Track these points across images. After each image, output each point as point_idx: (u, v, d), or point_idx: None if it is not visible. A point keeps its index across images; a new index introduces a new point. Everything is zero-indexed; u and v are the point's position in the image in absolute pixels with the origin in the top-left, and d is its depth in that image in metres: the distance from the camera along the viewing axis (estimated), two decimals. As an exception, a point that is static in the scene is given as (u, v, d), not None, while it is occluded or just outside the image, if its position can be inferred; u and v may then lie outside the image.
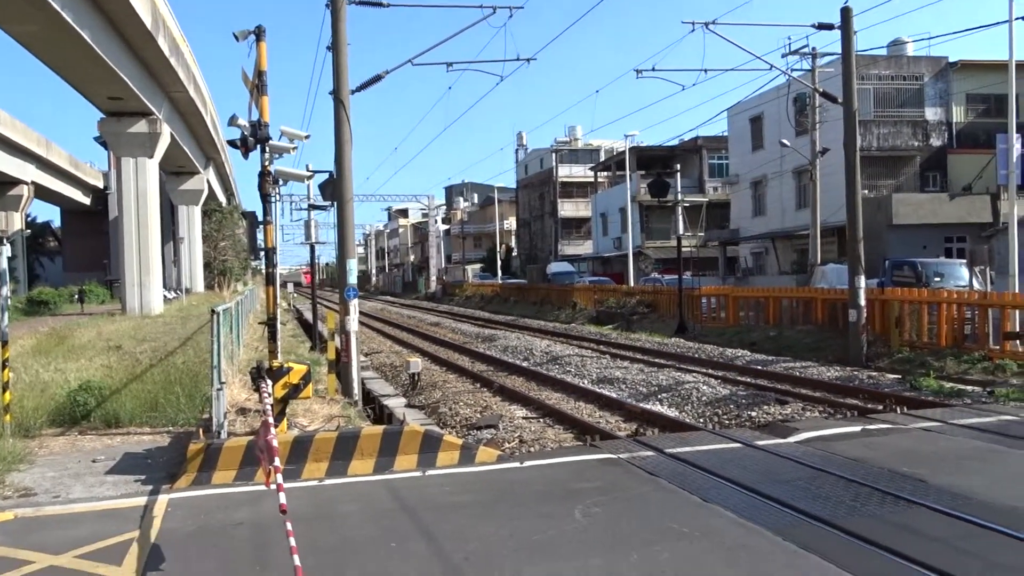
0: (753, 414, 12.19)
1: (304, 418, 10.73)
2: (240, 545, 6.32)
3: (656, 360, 18.74)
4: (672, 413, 12.79)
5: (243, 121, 9.50)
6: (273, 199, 10.22)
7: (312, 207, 21.10)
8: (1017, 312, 15.06)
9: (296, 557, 4.35)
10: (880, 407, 11.88)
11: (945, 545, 5.86)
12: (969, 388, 13.18)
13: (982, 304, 16.10)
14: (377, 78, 16.09)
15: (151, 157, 36.24)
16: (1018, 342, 14.86)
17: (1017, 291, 16.90)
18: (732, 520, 6.57)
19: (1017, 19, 19.02)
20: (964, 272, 22.16)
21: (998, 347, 15.28)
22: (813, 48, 29.37)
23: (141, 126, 35.44)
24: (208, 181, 58.79)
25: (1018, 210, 19.85)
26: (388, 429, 8.95)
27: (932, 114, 38.41)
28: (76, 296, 48.14)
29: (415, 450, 8.65)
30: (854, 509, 6.80)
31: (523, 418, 12.89)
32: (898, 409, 11.46)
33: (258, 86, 9.75)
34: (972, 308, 16.44)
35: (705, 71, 22.86)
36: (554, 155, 72.29)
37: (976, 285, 19.88)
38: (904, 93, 38.31)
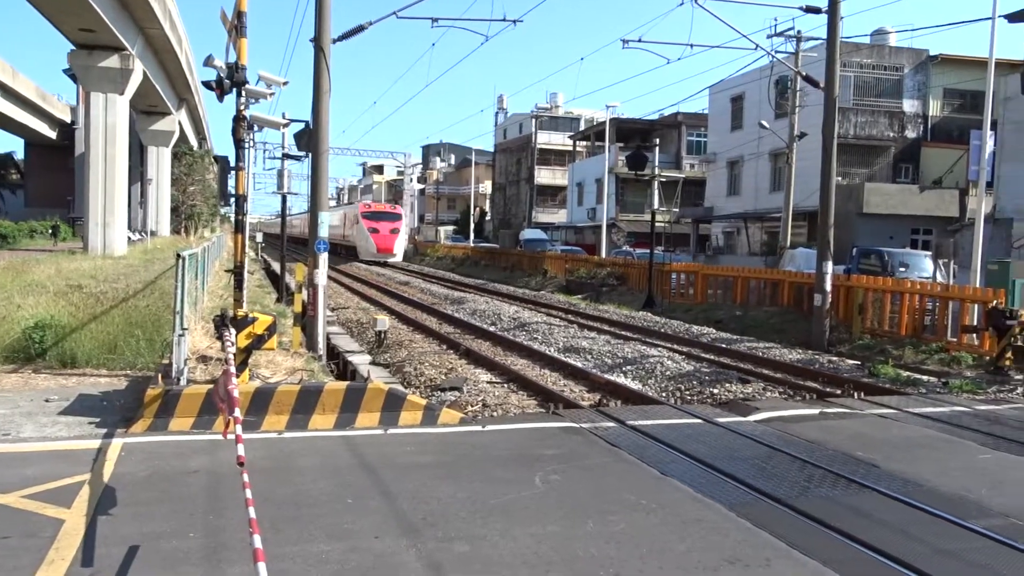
0: (715, 391, 12.33)
1: (267, 369, 10.64)
2: (194, 493, 6.27)
3: (623, 332, 18.84)
4: (636, 386, 12.88)
5: (219, 62, 9.25)
6: (247, 145, 10.01)
7: (286, 156, 20.78)
8: (976, 306, 15.33)
9: (252, 509, 4.31)
10: (839, 391, 12.07)
11: (894, 529, 5.98)
12: (925, 378, 13.42)
13: (943, 296, 16.37)
14: (360, 28, 15.77)
15: (121, 94, 35.36)
16: (974, 336, 15.14)
17: (978, 286, 17.20)
18: (688, 494, 6.65)
19: (999, 16, 19.13)
20: (928, 264, 22.52)
21: (955, 339, 15.57)
22: (798, 31, 29.36)
23: (113, 61, 34.50)
24: (180, 123, 57.60)
25: (984, 207, 20.17)
26: (351, 385, 8.91)
27: (909, 106, 38.68)
28: (50, 231, 47.88)
29: (378, 408, 8.62)
30: (807, 489, 6.91)
31: (488, 382, 12.91)
32: (856, 394, 11.64)
33: (237, 27, 9.49)
34: (934, 300, 16.72)
35: (691, 46, 22.81)
36: (534, 121, 71.79)
37: (939, 277, 20.23)
38: (884, 83, 38.51)
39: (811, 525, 6.05)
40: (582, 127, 68.49)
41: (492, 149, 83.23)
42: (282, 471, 6.90)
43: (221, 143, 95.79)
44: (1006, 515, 6.35)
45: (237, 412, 5.62)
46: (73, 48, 34.43)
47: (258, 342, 9.42)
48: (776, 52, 27.32)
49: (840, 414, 10.11)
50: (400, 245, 51.17)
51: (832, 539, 5.79)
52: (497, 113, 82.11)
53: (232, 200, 10.28)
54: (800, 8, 19.73)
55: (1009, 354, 13.46)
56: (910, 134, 38.82)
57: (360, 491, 6.42)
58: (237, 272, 9.94)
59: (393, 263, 49.51)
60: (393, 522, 5.79)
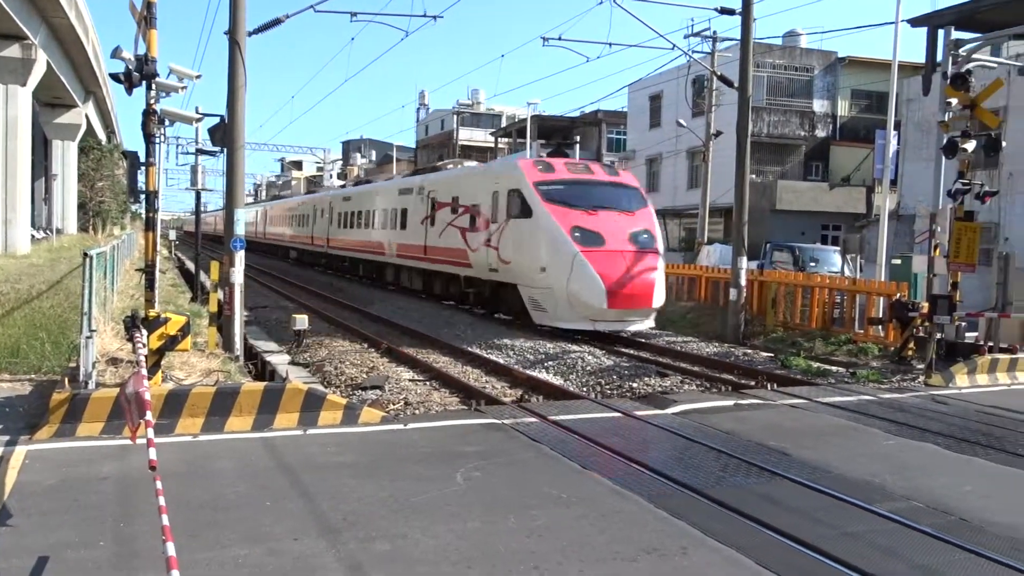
0: (634, 385, 12.54)
1: (181, 371, 10.34)
2: (104, 500, 6.06)
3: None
4: (557, 381, 13.00)
5: (128, 54, 8.93)
6: (157, 140, 9.68)
7: (200, 152, 20.23)
8: (881, 299, 16.01)
9: (164, 516, 4.19)
10: (753, 383, 12.44)
11: (803, 515, 6.21)
12: (834, 368, 13.96)
13: (851, 290, 17.05)
14: (276, 21, 15.48)
15: (23, 85, 33.76)
16: (880, 327, 15.82)
17: (883, 279, 17.97)
18: (608, 487, 6.76)
19: (903, 21, 20.00)
20: (837, 259, 23.39)
21: (862, 331, 16.24)
22: (714, 32, 30.02)
23: (13, 50, 32.89)
24: (87, 116, 55.28)
25: (889, 203, 21.07)
26: (269, 386, 8.74)
27: (819, 106, 40.03)
28: None
29: (297, 408, 8.48)
30: (722, 479, 7.11)
31: (410, 380, 12.84)
32: (769, 386, 12.02)
33: (147, 18, 9.16)
34: (842, 293, 17.40)
35: (610, 45, 23.16)
36: (455, 117, 71.65)
37: (847, 272, 21.04)
38: (795, 83, 39.77)
39: (726, 513, 6.23)
40: (504, 124, 68.64)
41: (414, 145, 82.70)
42: (197, 475, 6.73)
43: (131, 138, 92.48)
44: (908, 498, 6.66)
45: (149, 415, 5.45)
46: (-31, 36, 32.71)
47: (171, 343, 9.15)
48: (693, 52, 27.92)
49: (754, 405, 10.43)
50: (661, 283, 17.08)
51: (745, 526, 5.98)
52: (419, 109, 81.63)
53: (142, 196, 9.95)
54: (715, 9, 20.22)
55: (912, 344, 14.10)
56: (820, 133, 40.20)
57: (279, 493, 6.32)
58: (148, 271, 9.63)
59: (636, 332, 17.49)
60: (313, 523, 5.71)
